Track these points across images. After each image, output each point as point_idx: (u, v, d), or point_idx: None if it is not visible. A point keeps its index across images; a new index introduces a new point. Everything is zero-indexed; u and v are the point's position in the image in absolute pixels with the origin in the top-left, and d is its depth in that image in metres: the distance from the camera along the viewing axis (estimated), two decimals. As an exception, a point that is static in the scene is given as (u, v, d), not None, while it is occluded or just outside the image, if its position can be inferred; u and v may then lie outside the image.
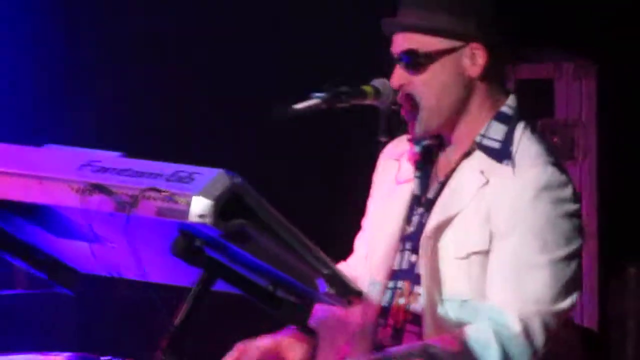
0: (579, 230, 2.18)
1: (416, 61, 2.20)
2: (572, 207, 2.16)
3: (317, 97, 2.23)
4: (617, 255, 3.40)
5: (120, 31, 4.21)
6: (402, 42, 2.23)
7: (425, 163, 2.32)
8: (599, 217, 3.43)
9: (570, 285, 2.15)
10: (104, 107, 4.17)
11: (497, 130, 2.22)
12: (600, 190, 3.50)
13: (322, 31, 3.83)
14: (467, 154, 2.23)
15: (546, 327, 2.12)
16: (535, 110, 3.31)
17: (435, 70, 2.20)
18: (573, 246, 2.15)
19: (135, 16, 4.21)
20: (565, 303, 2.13)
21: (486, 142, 2.22)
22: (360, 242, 2.45)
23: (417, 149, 2.33)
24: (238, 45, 4.10)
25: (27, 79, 4.04)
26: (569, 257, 2.14)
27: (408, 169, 2.33)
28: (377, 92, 2.27)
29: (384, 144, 2.40)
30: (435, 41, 2.20)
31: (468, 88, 2.23)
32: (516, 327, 2.09)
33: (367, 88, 2.28)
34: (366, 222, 2.44)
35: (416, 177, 2.31)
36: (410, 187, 2.32)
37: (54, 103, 4.15)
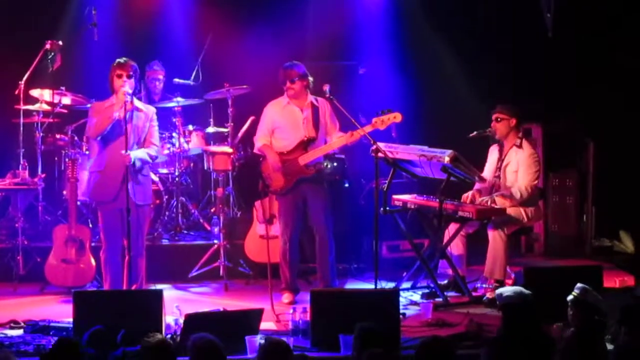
0: (540, 163, 8.04)
1: (501, 120, 8.02)
2: (537, 158, 8.00)
3: (476, 132, 8.16)
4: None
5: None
6: (496, 114, 8.03)
7: (500, 150, 8.13)
8: (544, 154, 9.64)
9: (538, 176, 7.99)
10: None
11: (517, 140, 8.03)
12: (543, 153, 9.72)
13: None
14: (509, 148, 8.02)
15: (533, 186, 7.91)
16: (528, 135, 9.55)
17: (506, 123, 8.00)
18: (537, 167, 7.98)
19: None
20: (536, 181, 7.96)
21: (517, 144, 8.02)
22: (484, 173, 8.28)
23: (497, 147, 8.15)
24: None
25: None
26: (537, 170, 7.98)
27: (494, 152, 8.15)
28: (493, 132, 8.09)
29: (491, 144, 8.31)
30: (506, 117, 8.00)
31: (510, 128, 7.99)
32: (524, 188, 7.87)
33: (490, 129, 8.07)
34: (485, 170, 8.24)
35: (499, 151, 8.13)
36: (496, 156, 8.14)
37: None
